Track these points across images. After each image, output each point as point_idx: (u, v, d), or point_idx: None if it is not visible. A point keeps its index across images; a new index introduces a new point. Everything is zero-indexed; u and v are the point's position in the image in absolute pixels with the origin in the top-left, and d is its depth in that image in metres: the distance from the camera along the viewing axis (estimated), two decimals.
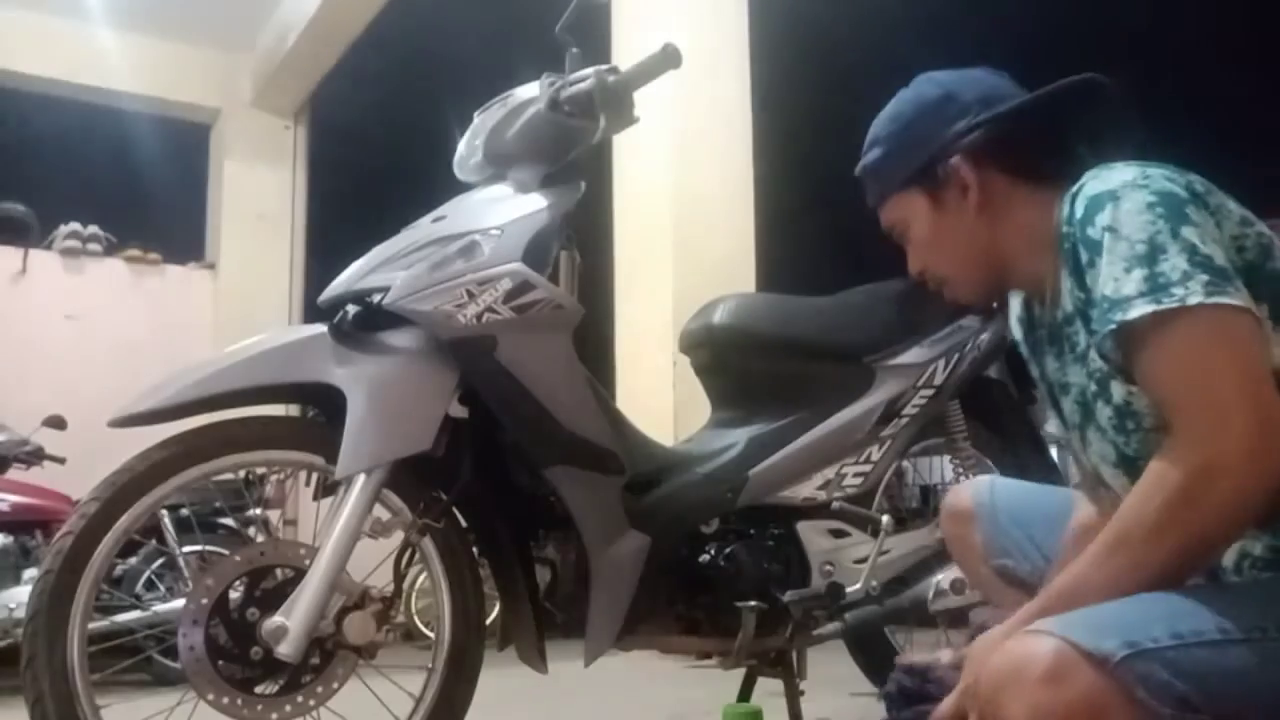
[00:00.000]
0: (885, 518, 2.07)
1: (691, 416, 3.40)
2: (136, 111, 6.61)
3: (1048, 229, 1.21)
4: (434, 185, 2.07)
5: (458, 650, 1.83)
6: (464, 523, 1.89)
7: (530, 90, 1.89)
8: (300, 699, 1.68)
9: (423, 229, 1.82)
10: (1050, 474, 2.24)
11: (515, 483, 1.88)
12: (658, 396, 3.93)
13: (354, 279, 1.79)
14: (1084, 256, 1.12)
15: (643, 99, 1.91)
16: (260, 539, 4.09)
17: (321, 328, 1.77)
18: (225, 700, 1.63)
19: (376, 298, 1.75)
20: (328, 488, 1.79)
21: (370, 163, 7.38)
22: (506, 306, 1.74)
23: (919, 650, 2.38)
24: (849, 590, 2.05)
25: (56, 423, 4.46)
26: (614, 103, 1.83)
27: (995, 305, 1.46)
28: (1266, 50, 6.51)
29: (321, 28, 6.01)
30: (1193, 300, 1.03)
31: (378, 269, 1.77)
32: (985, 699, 1.00)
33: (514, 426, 1.79)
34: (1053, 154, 1.25)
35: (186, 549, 3.89)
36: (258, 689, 1.66)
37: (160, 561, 4.04)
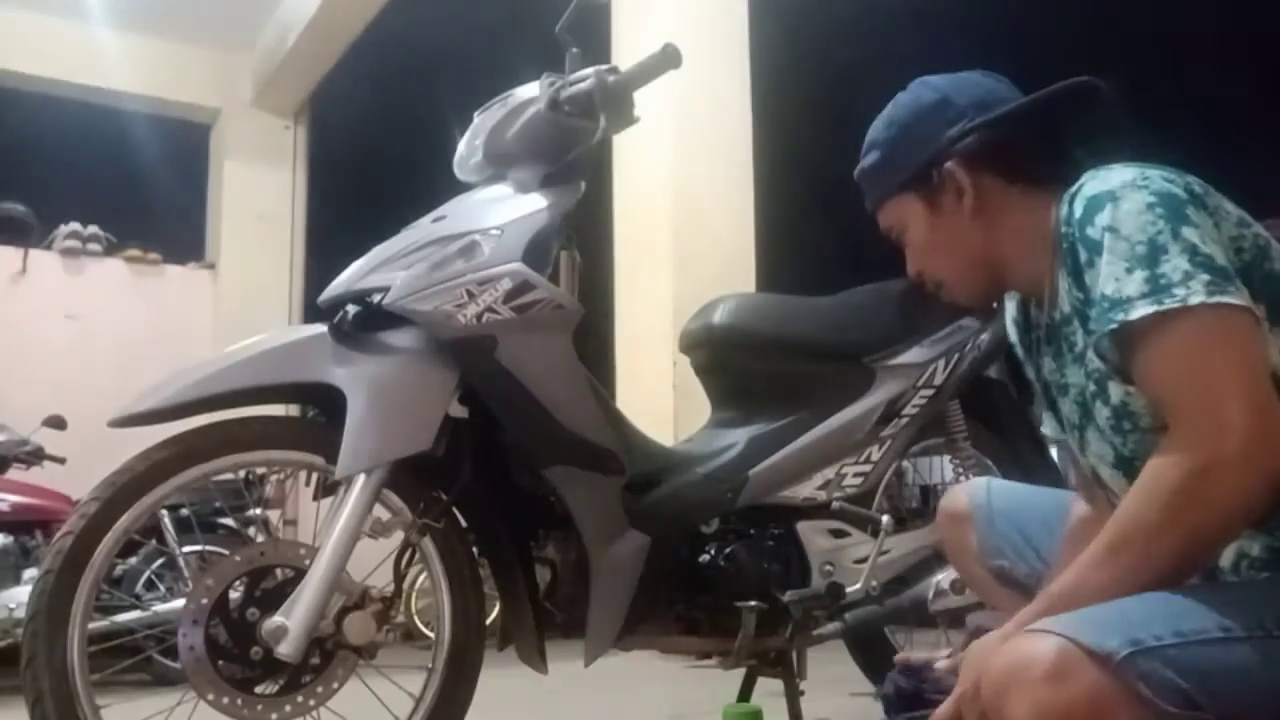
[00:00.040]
0: (885, 518, 2.07)
1: (691, 416, 3.39)
2: (136, 111, 6.61)
3: (1044, 231, 1.22)
4: (434, 185, 2.07)
5: (458, 650, 1.83)
6: (464, 523, 1.89)
7: (530, 90, 1.89)
8: (300, 699, 1.68)
9: (423, 229, 1.82)
10: (1051, 474, 2.24)
11: (515, 483, 1.88)
12: (658, 396, 3.93)
13: (354, 279, 1.79)
14: (1083, 256, 1.13)
15: (643, 99, 1.91)
16: (260, 539, 4.09)
17: (321, 328, 1.77)
18: (225, 700, 1.63)
19: (376, 298, 1.75)
20: (328, 488, 1.79)
21: (370, 163, 7.38)
22: (506, 306, 1.74)
23: (919, 650, 2.39)
24: (849, 590, 2.05)
25: (56, 423, 4.46)
26: (614, 103, 1.83)
27: (995, 305, 1.46)
28: (1264, 52, 6.50)
29: (321, 28, 6.01)
30: (1194, 300, 1.03)
31: (378, 269, 1.77)
32: (989, 698, 1.00)
33: (514, 426, 1.79)
34: (1048, 157, 1.26)
35: (186, 549, 3.89)
36: (258, 689, 1.66)
37: (160, 561, 4.04)
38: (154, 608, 3.73)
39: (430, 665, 1.83)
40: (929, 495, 2.57)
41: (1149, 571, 1.04)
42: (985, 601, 1.66)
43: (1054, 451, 1.48)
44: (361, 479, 1.69)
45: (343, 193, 7.30)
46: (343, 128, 7.23)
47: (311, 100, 7.02)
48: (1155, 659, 0.95)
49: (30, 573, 3.87)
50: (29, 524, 4.10)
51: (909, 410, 2.15)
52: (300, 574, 1.67)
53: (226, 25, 6.53)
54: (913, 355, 2.17)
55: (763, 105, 4.43)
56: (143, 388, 1.69)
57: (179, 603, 2.79)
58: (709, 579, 1.96)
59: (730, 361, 2.19)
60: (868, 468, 2.13)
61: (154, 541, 3.83)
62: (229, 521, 4.15)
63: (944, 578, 2.11)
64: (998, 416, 2.40)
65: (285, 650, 1.61)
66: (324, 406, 1.80)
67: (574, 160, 1.90)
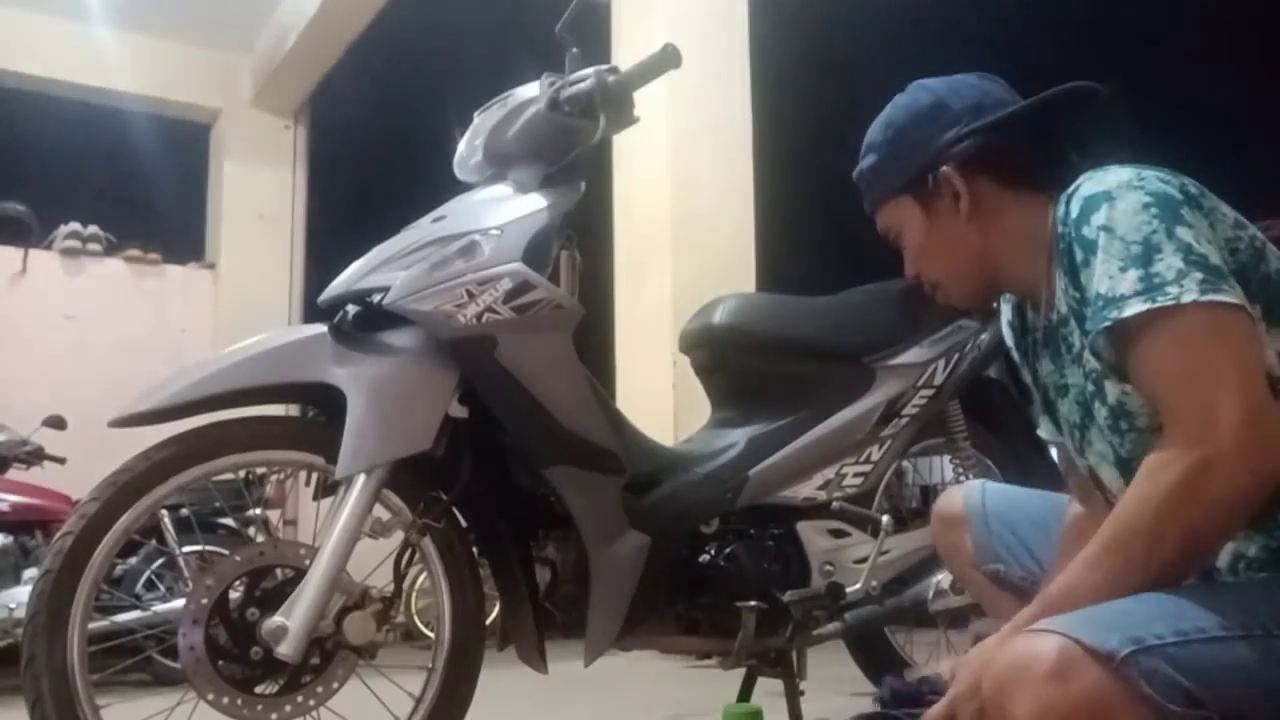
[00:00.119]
0: (885, 518, 2.07)
1: (691, 416, 3.39)
2: (136, 111, 6.61)
3: (1040, 233, 1.22)
4: (434, 185, 2.07)
5: (458, 650, 1.83)
6: (464, 523, 1.89)
7: (530, 90, 1.89)
8: (300, 699, 1.68)
9: (423, 229, 1.82)
10: (1051, 474, 2.24)
11: (515, 483, 1.88)
12: (658, 396, 3.93)
13: (354, 279, 1.79)
14: (1079, 256, 1.13)
15: (643, 99, 1.91)
16: (260, 539, 4.09)
17: (321, 328, 1.77)
18: (225, 700, 1.63)
19: (376, 298, 1.75)
20: (328, 488, 1.79)
21: (370, 163, 7.38)
22: (506, 306, 1.74)
23: (919, 651, 2.39)
24: (849, 590, 2.05)
25: (56, 423, 4.46)
26: (614, 103, 1.84)
27: (995, 306, 1.46)
28: (1261, 53, 6.51)
29: (321, 28, 6.00)
30: (1187, 298, 1.04)
31: (378, 269, 1.77)
32: (990, 698, 1.00)
33: (514, 426, 1.79)
34: (1044, 161, 1.26)
35: (186, 549, 3.89)
36: (258, 689, 1.66)
37: (160, 561, 4.04)
38: (154, 608, 3.73)
39: (430, 665, 1.83)
40: (929, 495, 2.56)
41: (1146, 571, 1.04)
42: (980, 604, 1.65)
43: (1054, 452, 1.49)
44: (361, 479, 1.69)
45: (343, 193, 7.30)
46: (343, 128, 7.23)
47: (311, 100, 7.02)
48: (1157, 657, 0.95)
49: (30, 573, 3.87)
50: (29, 524, 4.10)
51: (909, 410, 2.15)
52: (300, 574, 1.67)
53: (226, 25, 6.53)
54: (913, 355, 2.17)
55: (763, 105, 4.43)
56: (143, 388, 1.69)
57: (179, 603, 2.79)
58: (709, 579, 1.96)
59: (730, 361, 2.19)
60: (868, 468, 2.13)
61: (154, 541, 3.83)
62: (229, 521, 4.15)
63: (944, 578, 2.11)
64: (998, 416, 2.40)
65: (285, 650, 1.61)
66: (324, 406, 1.80)
67: (574, 160, 1.90)
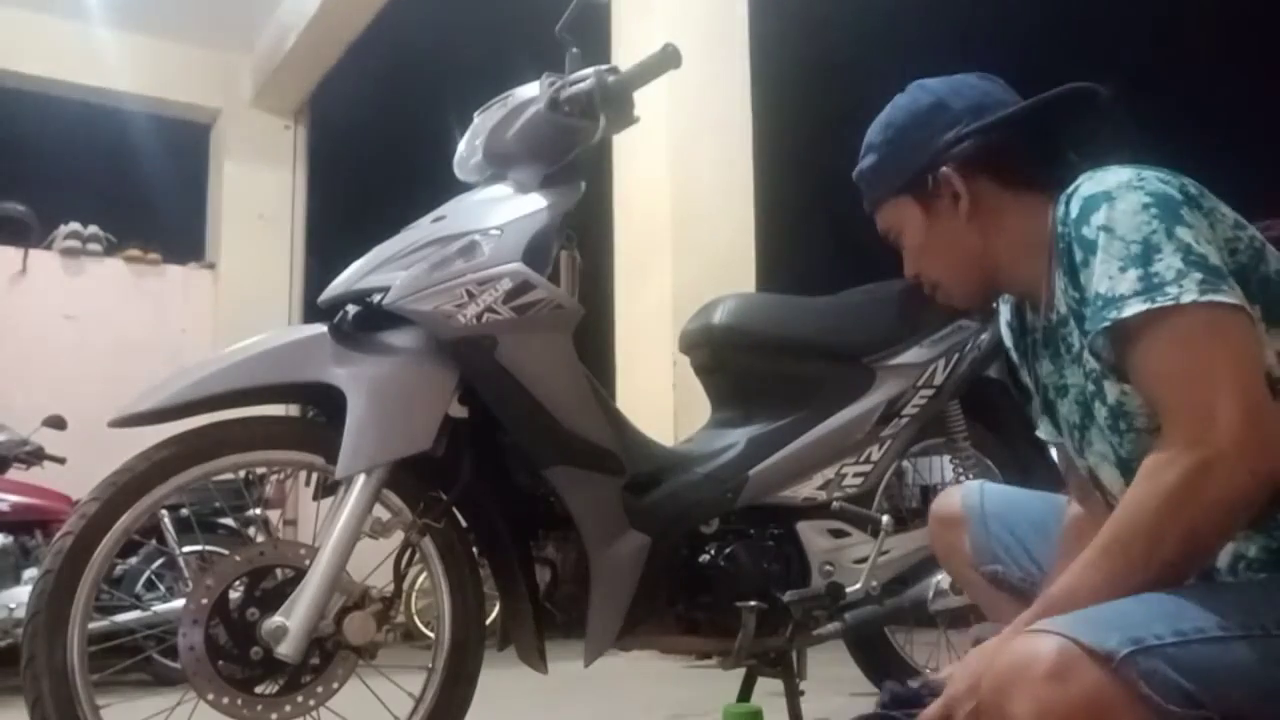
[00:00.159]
0: (885, 518, 2.07)
1: (691, 416, 3.39)
2: (136, 111, 6.61)
3: (1040, 234, 1.22)
4: (434, 185, 2.07)
5: (458, 650, 1.83)
6: (464, 523, 1.89)
7: (530, 90, 1.89)
8: (300, 699, 1.68)
9: (423, 229, 1.82)
10: (1051, 474, 2.24)
11: (515, 483, 1.88)
12: (658, 396, 3.93)
13: (354, 279, 1.79)
14: (1078, 256, 1.13)
15: (643, 99, 1.91)
16: (260, 539, 4.09)
17: (321, 328, 1.77)
18: (225, 700, 1.63)
19: (376, 298, 1.75)
20: (328, 488, 1.79)
21: (370, 163, 7.38)
22: (506, 306, 1.74)
23: (919, 651, 2.39)
24: (849, 590, 2.05)
25: (56, 423, 4.46)
26: (614, 103, 1.84)
27: (995, 306, 1.46)
28: (1260, 53, 6.51)
29: (321, 28, 6.01)
30: (1187, 299, 1.04)
31: (378, 269, 1.77)
32: (989, 698, 1.00)
33: (514, 426, 1.79)
34: (1043, 162, 1.26)
35: (186, 549, 3.89)
36: (258, 689, 1.66)
37: (160, 561, 4.04)
38: (154, 608, 3.73)
39: (430, 665, 1.83)
40: (929, 495, 2.56)
41: (1146, 572, 1.04)
42: (978, 605, 1.65)
43: (1054, 452, 1.48)
44: (361, 479, 1.69)
45: (343, 193, 7.30)
46: (343, 128, 7.22)
47: (311, 100, 7.02)
48: (1156, 658, 0.95)
49: (30, 573, 3.87)
50: (29, 524, 4.10)
51: (909, 410, 2.15)
52: (300, 574, 1.67)
53: (226, 25, 6.53)
54: (913, 355, 2.17)
55: (763, 105, 4.43)
56: (143, 388, 1.69)
57: (179, 603, 2.79)
58: (709, 579, 1.96)
59: (730, 361, 2.19)
60: (868, 468, 2.13)
61: (154, 541, 3.83)
62: (229, 521, 4.15)
63: (944, 578, 2.11)
64: (998, 416, 2.40)
65: (285, 650, 1.61)
66: (324, 406, 1.80)
67: (574, 160, 1.90)
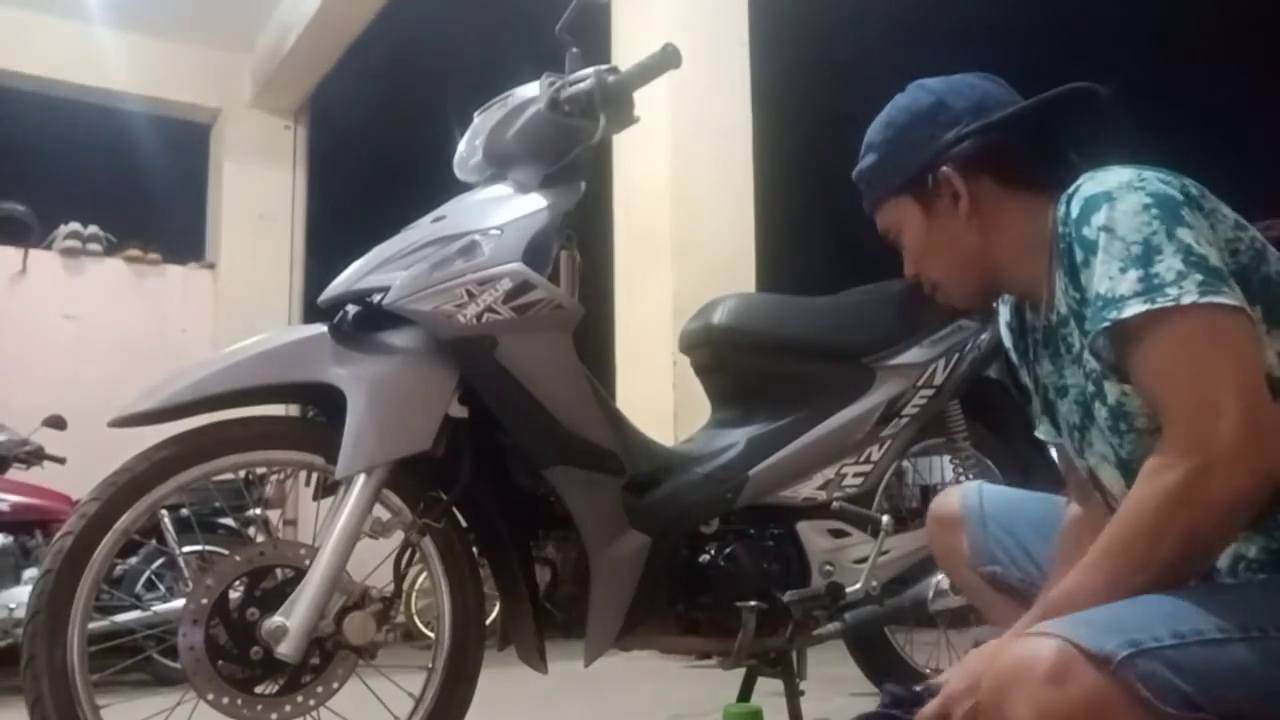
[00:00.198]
0: (885, 518, 2.07)
1: (691, 416, 3.39)
2: (136, 111, 6.61)
3: (1040, 234, 1.22)
4: (434, 185, 2.07)
5: (458, 650, 1.83)
6: (464, 523, 1.89)
7: (530, 90, 1.89)
8: (300, 699, 1.68)
9: (423, 229, 1.82)
10: (1051, 475, 2.24)
11: (515, 483, 1.88)
12: (658, 396, 3.93)
13: (354, 279, 1.79)
14: (1079, 256, 1.13)
15: (643, 99, 1.91)
16: (260, 539, 4.09)
17: (321, 328, 1.77)
18: (225, 700, 1.63)
19: (376, 298, 1.75)
20: (328, 488, 1.79)
21: (370, 163, 7.38)
22: (506, 306, 1.74)
23: (919, 651, 2.39)
24: (849, 590, 2.05)
25: (56, 423, 4.46)
26: (614, 103, 1.84)
27: (994, 306, 1.46)
28: (1263, 53, 6.51)
29: (321, 28, 6.00)
30: (1187, 300, 1.03)
31: (378, 269, 1.77)
32: (988, 700, 1.00)
33: (514, 426, 1.79)
34: (1044, 162, 1.26)
35: (186, 549, 3.89)
36: (258, 689, 1.66)
37: (160, 561, 4.04)
38: (154, 608, 3.73)
39: (430, 665, 1.83)
40: (929, 495, 2.57)
41: (1147, 573, 1.04)
42: (976, 607, 1.65)
43: (1054, 452, 1.48)
44: (361, 479, 1.69)
45: (343, 193, 7.29)
46: (343, 128, 7.22)
47: (311, 100, 7.01)
48: (1154, 660, 0.95)
49: (30, 573, 3.87)
50: (29, 524, 4.10)
51: (909, 410, 2.15)
52: (300, 574, 1.67)
53: (226, 25, 6.53)
54: (912, 355, 2.17)
55: (763, 105, 4.43)
56: (143, 388, 1.69)
57: (179, 603, 2.79)
58: (709, 579, 1.96)
59: (730, 361, 2.19)
60: (868, 468, 2.13)
61: (154, 541, 3.83)
62: (229, 521, 4.15)
63: (944, 578, 2.11)
64: (998, 416, 2.40)
65: (285, 650, 1.61)
66: (324, 406, 1.80)
67: (574, 160, 1.90)
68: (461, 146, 1.98)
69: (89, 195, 6.57)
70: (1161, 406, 1.07)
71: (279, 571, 1.70)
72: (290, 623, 1.62)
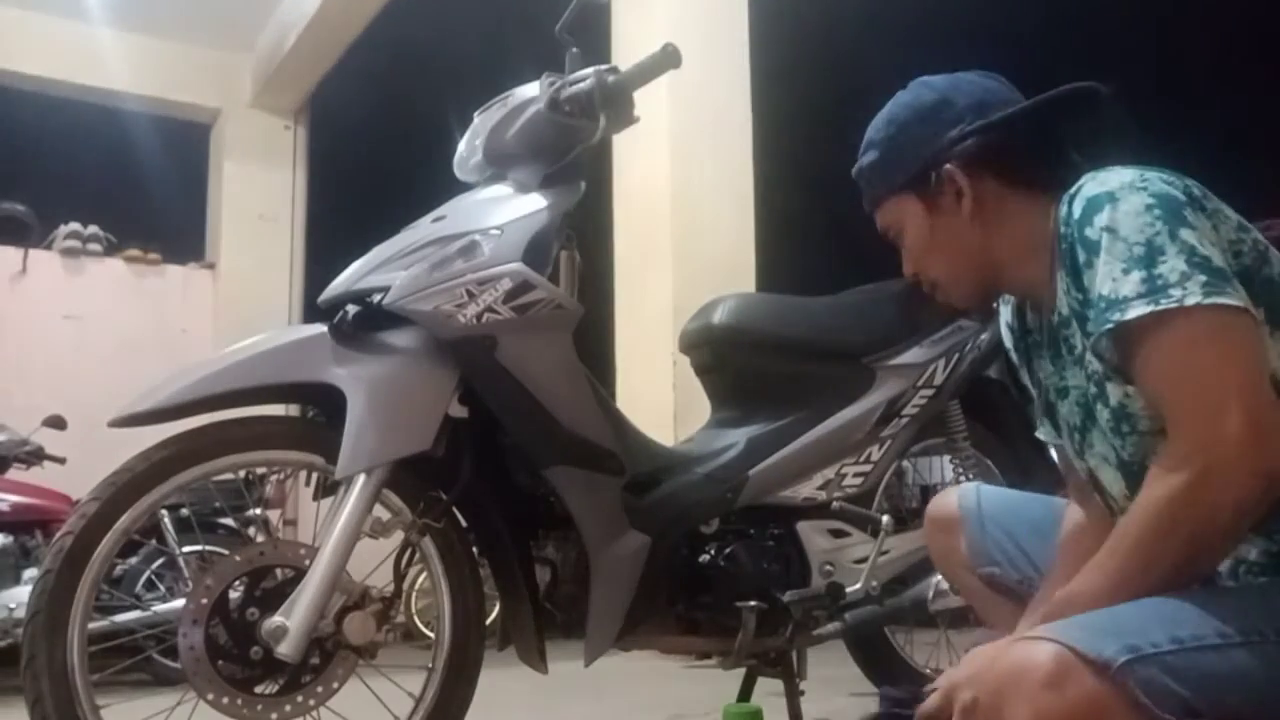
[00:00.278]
0: (885, 518, 2.07)
1: (691, 416, 3.40)
2: (136, 111, 6.61)
3: (1042, 234, 1.21)
4: (434, 185, 2.07)
5: (458, 650, 1.83)
6: (464, 523, 1.89)
7: (530, 90, 1.89)
8: (300, 699, 1.68)
9: (423, 229, 1.82)
10: (1051, 475, 2.24)
11: (515, 483, 1.88)
12: (658, 396, 3.93)
13: (354, 279, 1.79)
14: (1081, 257, 1.12)
15: (643, 99, 1.91)
16: (260, 539, 4.09)
17: (321, 328, 1.77)
18: (225, 700, 1.63)
19: (376, 298, 1.75)
20: (328, 488, 1.79)
21: (370, 163, 7.38)
22: (506, 306, 1.74)
23: (919, 651, 2.39)
24: (849, 590, 2.05)
25: (56, 423, 4.46)
26: (614, 103, 1.84)
27: (995, 306, 1.46)
28: (1264, 53, 6.51)
29: (321, 28, 6.00)
30: (1190, 301, 1.03)
31: (378, 269, 1.77)
32: (986, 703, 1.00)
33: (514, 426, 1.79)
34: (1046, 161, 1.25)
35: (186, 549, 3.89)
36: (258, 689, 1.66)
37: (160, 561, 4.04)
38: (154, 608, 3.73)
39: (430, 665, 1.83)
40: (929, 495, 2.57)
41: (1152, 577, 1.04)
42: (974, 608, 1.64)
43: (1054, 453, 1.48)
44: (361, 479, 1.69)
45: (343, 193, 7.30)
46: (343, 128, 7.23)
47: (311, 100, 7.01)
48: (1153, 666, 0.95)
49: (30, 573, 3.87)
50: (29, 524, 4.10)
51: (909, 410, 2.15)
52: (300, 574, 1.67)
53: (226, 25, 6.53)
54: (913, 355, 2.17)
55: (763, 105, 4.43)
56: (143, 388, 1.69)
57: (179, 603, 2.79)
58: (709, 579, 1.96)
59: (730, 361, 2.19)
60: (868, 468, 2.13)
61: (154, 541, 3.83)
62: (229, 521, 4.15)
63: (943, 578, 2.11)
64: (998, 416, 2.40)
65: (285, 650, 1.61)
66: (324, 406, 1.80)
67: (574, 160, 1.90)
68: (461, 146, 1.98)
69: (89, 195, 6.57)
70: (1165, 408, 1.07)
71: (279, 571, 1.70)
72: (290, 623, 1.62)
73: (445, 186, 1.96)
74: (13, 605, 3.75)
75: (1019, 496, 1.61)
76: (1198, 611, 1.00)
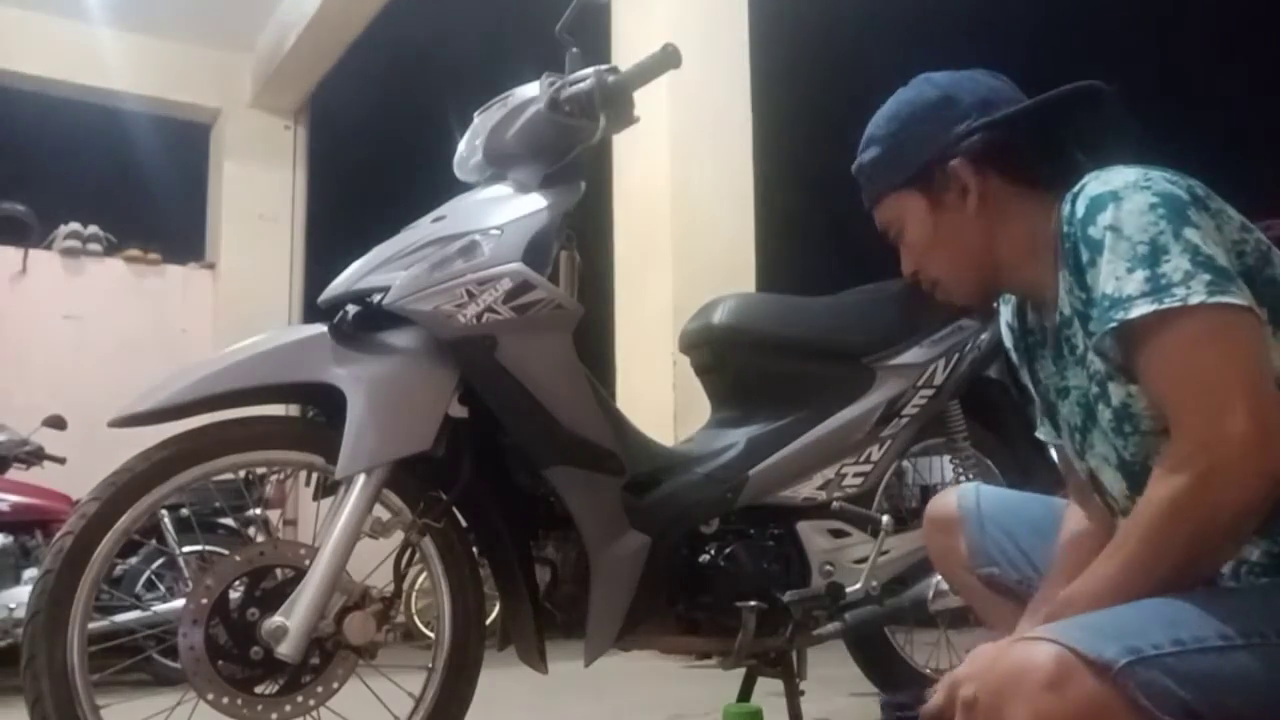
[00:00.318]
0: (885, 518, 2.07)
1: (691, 416, 3.40)
2: (136, 111, 6.61)
3: (1044, 233, 1.21)
4: (434, 185, 2.07)
5: (458, 650, 1.83)
6: (464, 523, 1.89)
7: (530, 90, 1.89)
8: (300, 699, 1.68)
9: (423, 229, 1.82)
10: (1051, 475, 2.24)
11: (515, 483, 1.88)
12: (658, 396, 3.93)
13: (354, 279, 1.79)
14: (1085, 256, 1.12)
15: (643, 99, 1.91)
16: (260, 539, 4.09)
17: (321, 328, 1.77)
18: (225, 700, 1.63)
19: (376, 298, 1.75)
20: (328, 488, 1.79)
21: (370, 163, 7.38)
22: (506, 306, 1.74)
23: (919, 651, 2.39)
24: (849, 590, 2.05)
25: (56, 423, 4.46)
26: (614, 103, 1.84)
27: (995, 306, 1.45)
28: (1266, 52, 6.50)
29: (321, 28, 6.00)
30: (1194, 300, 1.03)
31: (378, 269, 1.77)
32: (986, 704, 0.99)
33: (514, 426, 1.79)
34: (1050, 159, 1.25)
35: (186, 549, 3.89)
36: (258, 689, 1.66)
37: (160, 561, 4.04)
38: (154, 608, 3.73)
39: (430, 665, 1.83)
40: (929, 495, 2.57)
41: (1156, 577, 1.04)
42: (974, 609, 1.64)
43: (1053, 453, 1.48)
44: (361, 479, 1.69)
45: (343, 193, 7.30)
46: (343, 128, 7.23)
47: (311, 100, 7.02)
48: (1154, 668, 0.95)
49: (30, 573, 3.87)
50: (29, 524, 4.10)
51: (909, 410, 2.15)
52: (300, 574, 1.66)
53: (226, 25, 6.53)
54: (913, 355, 2.17)
55: (763, 105, 4.43)
56: (143, 388, 1.69)
57: (179, 603, 2.79)
58: (709, 579, 1.96)
59: (730, 361, 2.19)
60: (868, 468, 2.13)
61: (154, 541, 3.83)
62: (229, 521, 4.16)
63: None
64: (998, 416, 2.40)
65: (285, 650, 1.61)
66: (324, 406, 1.80)
67: (574, 160, 1.90)
68: (461, 146, 1.98)
69: (89, 195, 6.58)
70: (1169, 408, 1.07)
71: (279, 571, 1.70)
72: (290, 623, 1.62)
73: (445, 186, 1.95)
74: (13, 605, 3.76)
75: (1018, 497, 1.60)
76: (1199, 613, 1.00)
